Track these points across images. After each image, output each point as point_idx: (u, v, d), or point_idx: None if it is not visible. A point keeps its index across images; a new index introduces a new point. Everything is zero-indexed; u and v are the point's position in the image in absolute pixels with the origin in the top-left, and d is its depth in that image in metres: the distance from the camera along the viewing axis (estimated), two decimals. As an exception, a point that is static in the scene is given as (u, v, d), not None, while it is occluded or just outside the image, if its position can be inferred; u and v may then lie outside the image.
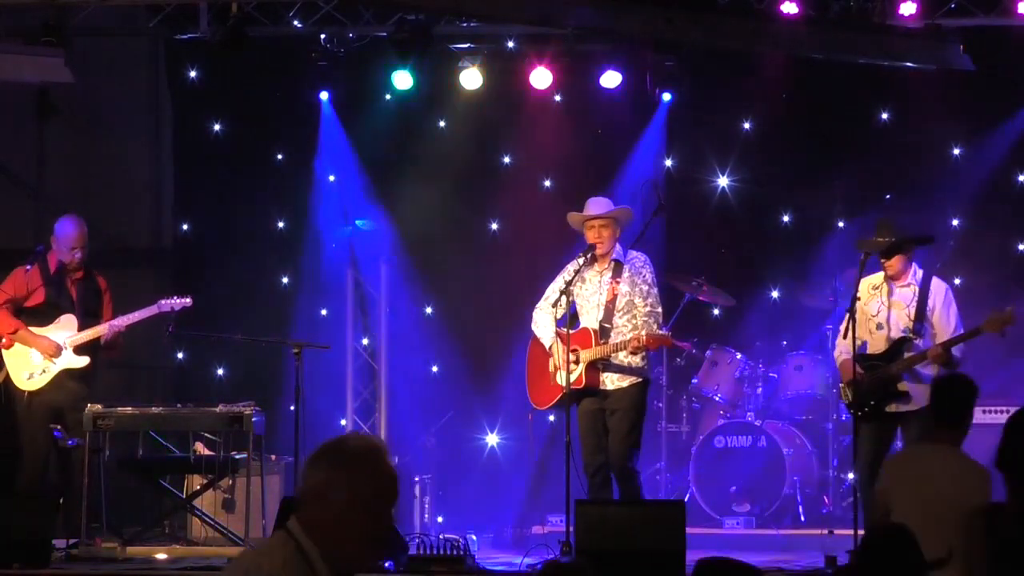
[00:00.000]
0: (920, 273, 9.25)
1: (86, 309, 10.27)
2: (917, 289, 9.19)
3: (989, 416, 11.12)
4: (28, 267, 10.24)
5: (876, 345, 9.12)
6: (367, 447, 4.13)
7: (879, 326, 9.17)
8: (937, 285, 9.21)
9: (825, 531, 10.67)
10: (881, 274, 9.27)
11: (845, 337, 9.00)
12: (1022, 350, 10.79)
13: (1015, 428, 6.16)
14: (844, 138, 11.97)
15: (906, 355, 9.09)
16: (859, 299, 9.07)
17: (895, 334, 9.14)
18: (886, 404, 9.07)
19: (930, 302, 9.15)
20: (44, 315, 10.23)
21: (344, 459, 4.10)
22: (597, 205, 9.54)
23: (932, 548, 5.86)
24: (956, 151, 12.01)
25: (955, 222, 11.91)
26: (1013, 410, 10.95)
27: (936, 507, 6.78)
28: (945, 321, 9.13)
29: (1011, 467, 6.03)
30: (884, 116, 12.16)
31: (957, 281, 11.58)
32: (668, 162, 12.40)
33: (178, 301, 10.27)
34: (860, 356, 9.04)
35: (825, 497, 11.43)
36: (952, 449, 7.20)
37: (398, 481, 4.15)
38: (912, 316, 9.14)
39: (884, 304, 9.21)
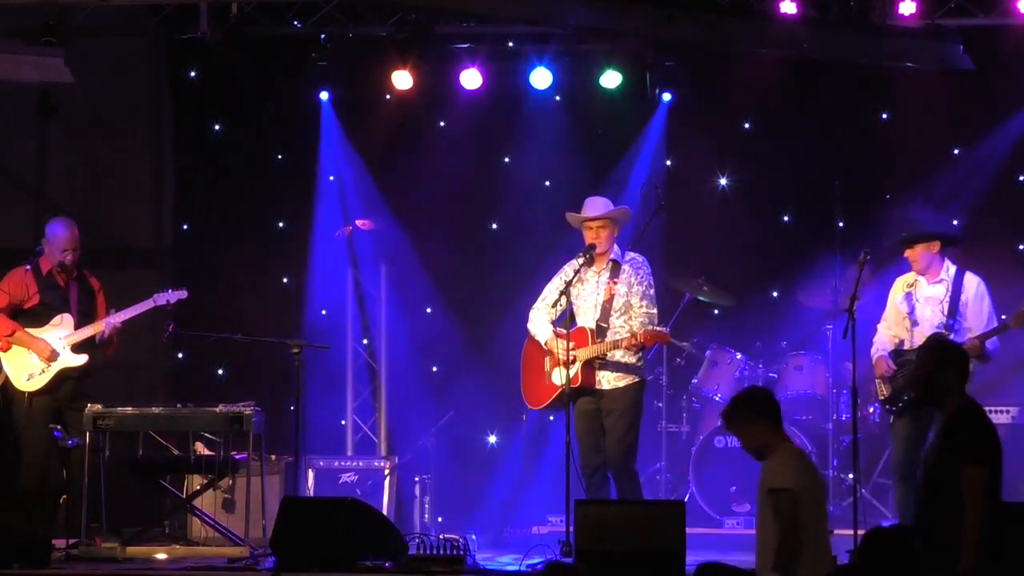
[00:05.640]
0: (953, 269, 9.41)
1: (81, 310, 10.29)
2: (950, 285, 9.31)
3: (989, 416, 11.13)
4: (28, 267, 10.26)
5: (912, 341, 9.24)
6: None
7: (914, 323, 9.28)
8: (970, 280, 9.37)
9: (825, 531, 10.66)
10: (913, 273, 9.42)
11: (845, 336, 9.05)
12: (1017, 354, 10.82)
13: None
14: (844, 138, 11.97)
15: None
16: (858, 299, 9.13)
17: (929, 330, 9.24)
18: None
19: (963, 297, 9.31)
20: (40, 316, 10.25)
21: None
22: (595, 206, 9.54)
23: None
24: (956, 151, 12.02)
25: (955, 222, 11.90)
26: (1013, 410, 11.12)
27: None
28: (978, 314, 9.26)
29: None
30: (884, 116, 12.17)
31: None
32: (668, 162, 12.40)
33: (173, 293, 10.29)
34: (895, 352, 9.16)
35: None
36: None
37: None
38: (945, 312, 9.27)
39: (918, 301, 9.34)
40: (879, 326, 9.55)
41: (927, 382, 7.27)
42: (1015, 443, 11.02)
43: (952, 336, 9.21)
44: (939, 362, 7.26)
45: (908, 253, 9.48)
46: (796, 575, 7.01)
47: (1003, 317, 9.49)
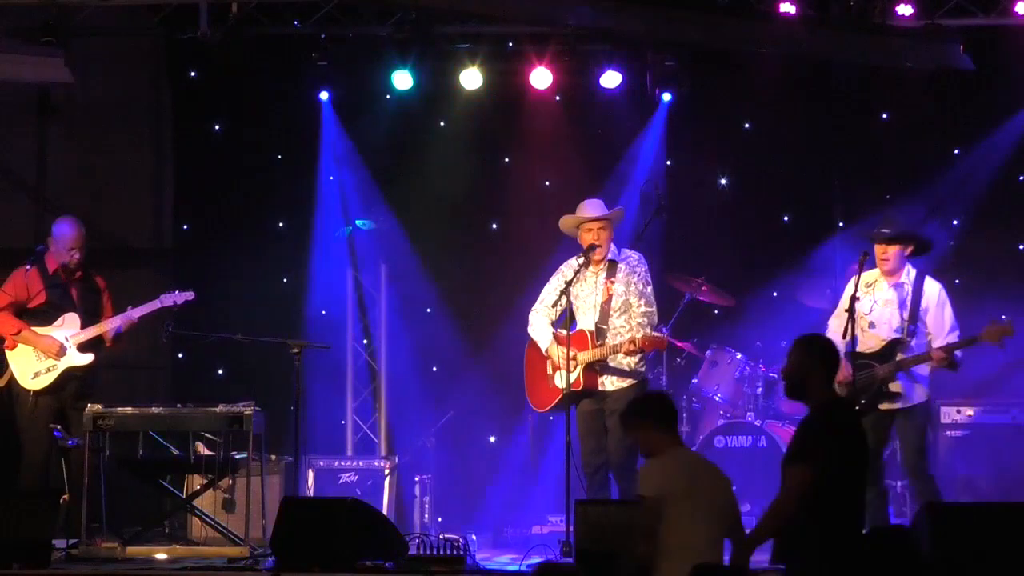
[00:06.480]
0: (913, 273, 9.28)
1: (86, 309, 10.29)
2: (910, 289, 9.21)
3: (988, 416, 11.14)
4: (28, 268, 10.25)
5: (867, 343, 9.14)
6: None
7: (871, 324, 9.19)
8: (930, 285, 9.23)
9: (825, 531, 10.65)
10: (875, 271, 9.31)
11: (844, 336, 8.99)
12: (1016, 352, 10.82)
13: None
14: (844, 138, 11.97)
15: (899, 356, 9.11)
16: (858, 299, 9.08)
17: (887, 333, 9.17)
18: (878, 403, 9.10)
19: (923, 302, 9.18)
20: (46, 316, 10.25)
21: None
22: (594, 207, 9.55)
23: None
24: (956, 151, 12.02)
25: (955, 222, 11.91)
26: (1014, 410, 11.10)
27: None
28: (939, 321, 9.15)
29: None
30: (884, 116, 12.17)
31: (956, 281, 11.60)
32: (668, 162, 12.40)
33: (180, 295, 10.30)
34: (852, 354, 9.04)
35: (825, 497, 11.41)
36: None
37: None
38: (905, 317, 9.17)
39: (876, 302, 9.23)
40: (831, 321, 9.36)
41: (794, 377, 7.17)
42: (1015, 443, 11.04)
43: (912, 342, 9.15)
44: (807, 357, 7.16)
45: (884, 250, 9.28)
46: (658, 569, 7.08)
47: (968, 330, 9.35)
